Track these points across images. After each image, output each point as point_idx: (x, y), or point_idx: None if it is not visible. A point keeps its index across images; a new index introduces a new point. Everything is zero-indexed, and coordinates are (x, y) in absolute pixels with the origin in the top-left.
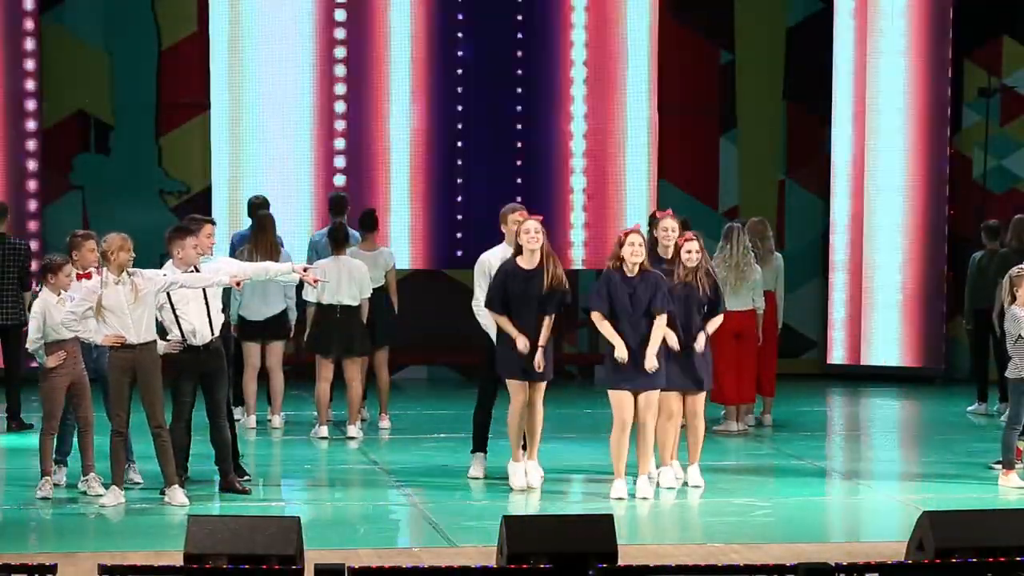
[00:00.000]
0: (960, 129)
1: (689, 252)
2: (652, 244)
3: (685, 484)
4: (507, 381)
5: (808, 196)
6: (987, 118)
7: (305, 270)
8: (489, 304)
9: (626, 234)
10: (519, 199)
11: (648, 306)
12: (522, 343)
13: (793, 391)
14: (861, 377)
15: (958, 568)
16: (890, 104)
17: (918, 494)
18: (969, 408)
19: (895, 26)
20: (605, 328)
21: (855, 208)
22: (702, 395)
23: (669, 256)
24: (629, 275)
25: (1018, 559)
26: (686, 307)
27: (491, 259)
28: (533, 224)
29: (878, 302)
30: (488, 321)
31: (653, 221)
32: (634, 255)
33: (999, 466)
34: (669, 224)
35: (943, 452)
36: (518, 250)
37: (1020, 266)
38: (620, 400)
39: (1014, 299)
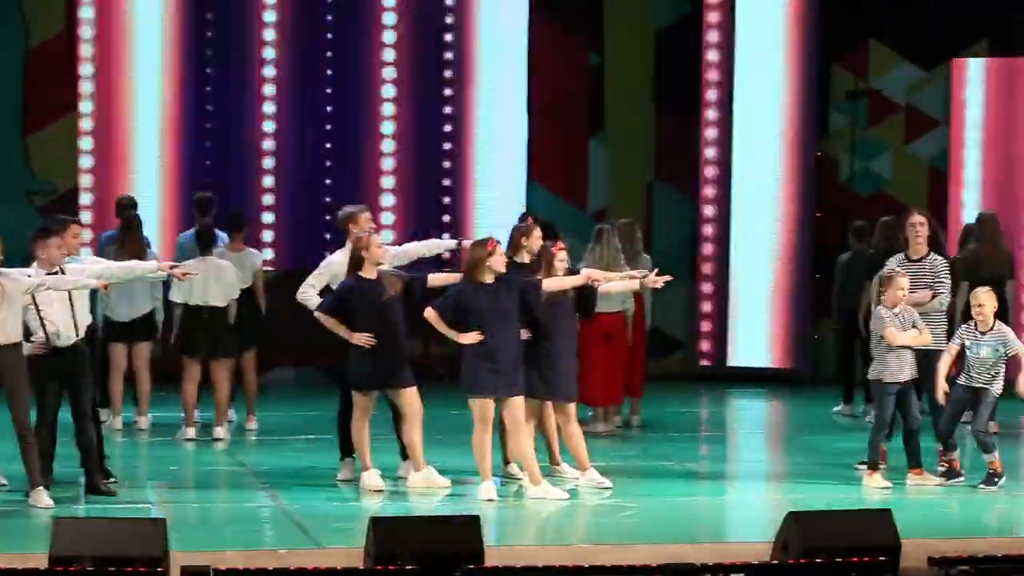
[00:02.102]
0: (827, 132)
1: (562, 260)
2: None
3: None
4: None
5: (677, 198)
6: (854, 121)
7: (172, 268)
8: (322, 308)
9: (490, 243)
10: (393, 202)
11: (516, 311)
12: (358, 338)
13: (661, 392)
14: (728, 378)
15: (823, 568)
16: (758, 107)
17: (784, 495)
18: (835, 409)
19: (764, 29)
20: (442, 326)
21: (724, 210)
22: (572, 402)
23: (527, 261)
24: (488, 282)
25: (881, 559)
26: (553, 314)
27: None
28: (376, 238)
29: (746, 304)
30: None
31: (521, 226)
32: (498, 264)
33: (863, 467)
34: (538, 231)
35: (809, 453)
36: (358, 262)
37: (890, 267)
38: (481, 404)
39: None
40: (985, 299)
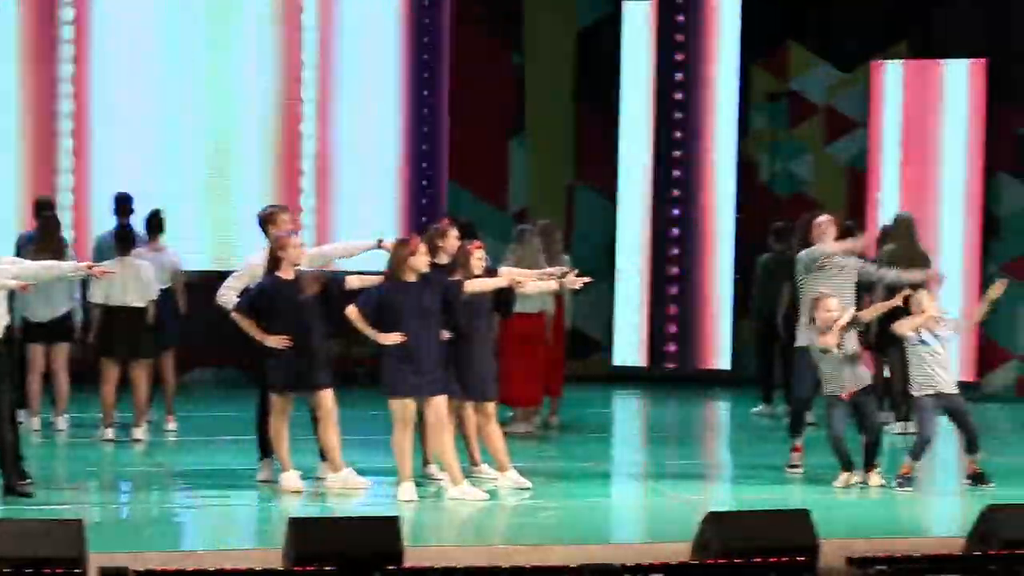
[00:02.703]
0: (747, 134)
1: (479, 259)
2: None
3: (494, 491)
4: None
5: (598, 199)
6: (774, 123)
7: (91, 267)
8: (239, 309)
9: (413, 242)
10: (312, 203)
11: (437, 312)
12: (274, 341)
13: (580, 393)
14: (648, 379)
15: (741, 568)
16: (678, 107)
17: (703, 495)
18: (754, 410)
19: (682, 31)
20: (363, 326)
21: (643, 211)
22: (492, 403)
23: (444, 262)
24: (410, 281)
25: (800, 559)
26: (472, 314)
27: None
28: (295, 239)
29: (666, 304)
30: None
31: (437, 227)
32: (420, 263)
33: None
34: (455, 232)
35: (729, 453)
36: (276, 262)
37: (821, 291)
38: (401, 405)
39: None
40: (927, 299)
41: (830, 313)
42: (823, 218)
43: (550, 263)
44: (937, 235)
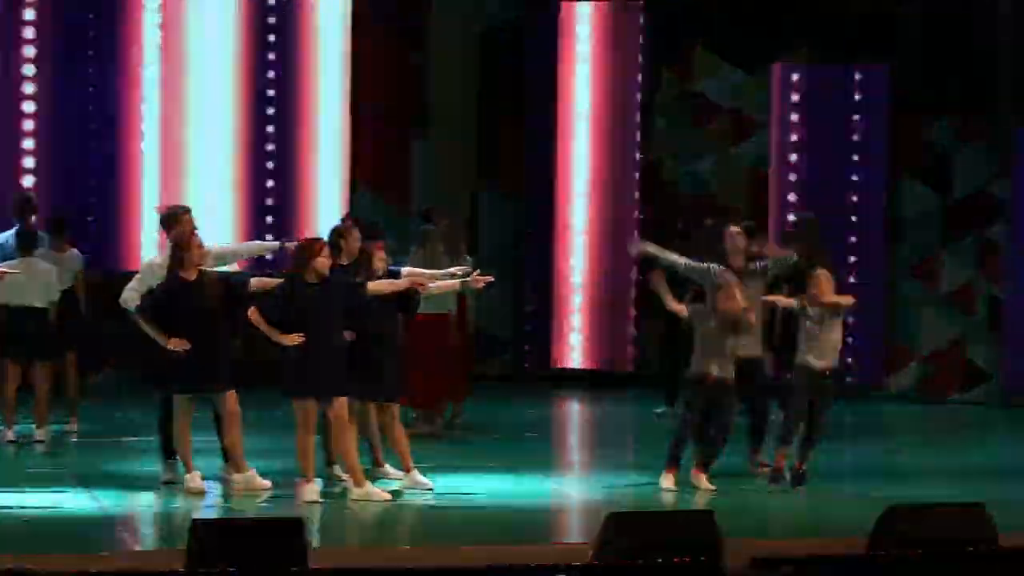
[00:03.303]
0: (652, 135)
1: (381, 260)
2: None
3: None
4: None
5: (502, 199)
6: (678, 124)
7: None
8: (141, 311)
9: (317, 244)
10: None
11: (340, 313)
12: (174, 343)
13: (485, 393)
14: (552, 379)
15: (644, 569)
16: (583, 109)
17: (607, 495)
18: (657, 410)
19: (588, 32)
20: (265, 327)
21: (548, 211)
22: (396, 404)
23: (346, 262)
24: (312, 282)
25: (703, 559)
26: (375, 315)
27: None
28: (197, 239)
29: (570, 305)
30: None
31: (339, 227)
32: (322, 264)
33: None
34: (357, 232)
35: (632, 453)
36: (178, 263)
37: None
38: (304, 406)
39: None
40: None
41: (735, 302)
42: (734, 229)
43: (453, 263)
44: (841, 237)
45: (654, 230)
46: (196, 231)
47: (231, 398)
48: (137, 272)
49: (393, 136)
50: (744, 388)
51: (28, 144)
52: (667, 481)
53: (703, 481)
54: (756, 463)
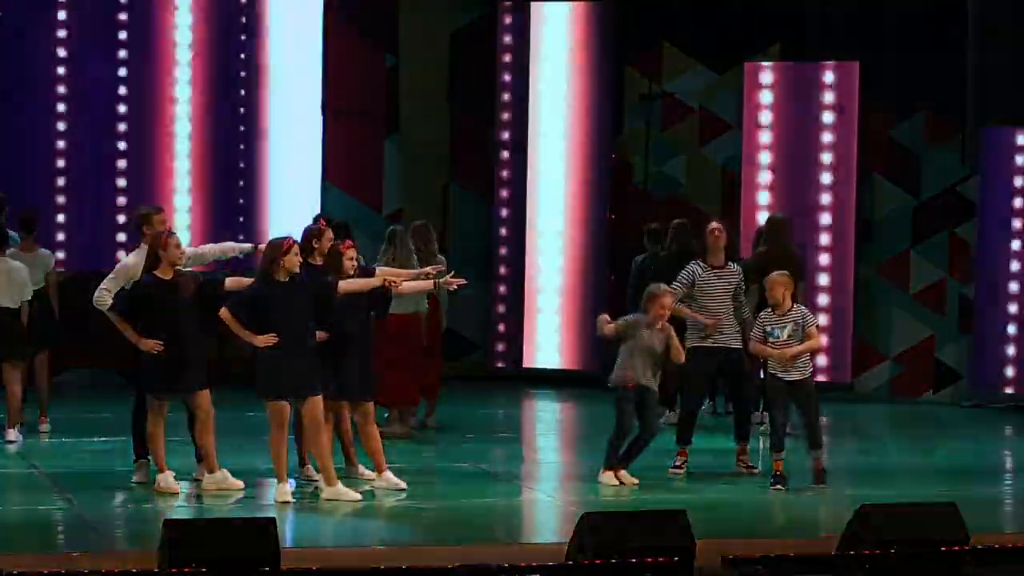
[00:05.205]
0: (622, 135)
1: (351, 259)
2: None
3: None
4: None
5: (473, 199)
6: (647, 124)
7: None
8: (115, 311)
9: (287, 242)
10: (187, 202)
11: (311, 312)
12: (148, 345)
13: (457, 394)
14: (524, 379)
15: (617, 568)
16: (553, 109)
17: (579, 496)
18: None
19: (556, 32)
20: (236, 327)
21: (519, 212)
22: (369, 404)
23: (319, 263)
24: (282, 281)
25: (675, 559)
26: (347, 315)
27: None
28: (175, 239)
29: (541, 305)
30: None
31: (312, 228)
32: (292, 263)
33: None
34: (330, 233)
35: (603, 454)
36: (155, 261)
37: (659, 284)
38: (276, 406)
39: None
40: (779, 281)
41: (663, 312)
42: (714, 224)
43: (425, 264)
44: (811, 237)
45: (624, 231)
46: (174, 232)
47: (203, 397)
48: (109, 272)
49: (365, 137)
50: (727, 382)
51: None
52: (607, 478)
53: (612, 478)
54: (741, 462)
